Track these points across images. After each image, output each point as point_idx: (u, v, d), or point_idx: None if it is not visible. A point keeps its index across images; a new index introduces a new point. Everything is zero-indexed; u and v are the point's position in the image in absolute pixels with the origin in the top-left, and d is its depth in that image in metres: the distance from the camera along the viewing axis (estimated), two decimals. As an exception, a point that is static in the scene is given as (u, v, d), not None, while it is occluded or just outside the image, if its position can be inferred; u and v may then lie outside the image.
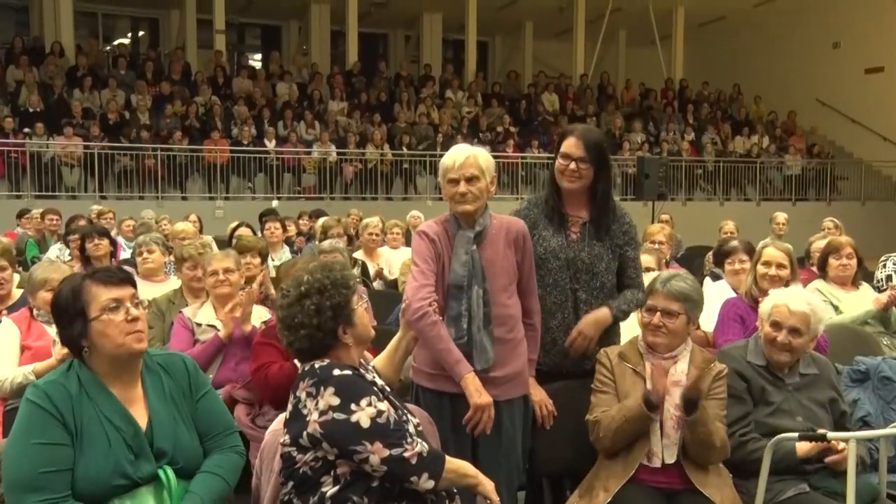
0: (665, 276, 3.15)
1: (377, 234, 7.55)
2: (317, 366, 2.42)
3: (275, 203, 14.35)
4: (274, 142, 15.76)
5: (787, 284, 3.99)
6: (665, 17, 20.69)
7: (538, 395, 3.16)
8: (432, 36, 21.43)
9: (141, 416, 2.43)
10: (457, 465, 2.41)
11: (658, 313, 3.04)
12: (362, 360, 2.63)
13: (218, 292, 4.24)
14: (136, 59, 18.19)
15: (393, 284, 6.97)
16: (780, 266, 4.06)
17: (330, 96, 17.71)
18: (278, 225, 7.58)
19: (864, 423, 3.44)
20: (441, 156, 13.61)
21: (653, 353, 3.07)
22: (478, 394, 2.84)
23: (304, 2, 20.08)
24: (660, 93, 20.44)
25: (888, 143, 18.80)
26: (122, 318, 2.41)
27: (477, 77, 19.71)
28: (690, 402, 2.85)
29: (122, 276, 2.50)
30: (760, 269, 4.11)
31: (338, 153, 15.95)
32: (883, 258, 5.83)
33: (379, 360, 2.84)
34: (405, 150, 16.53)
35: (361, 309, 2.54)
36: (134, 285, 2.52)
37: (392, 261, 7.44)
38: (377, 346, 2.96)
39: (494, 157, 13.68)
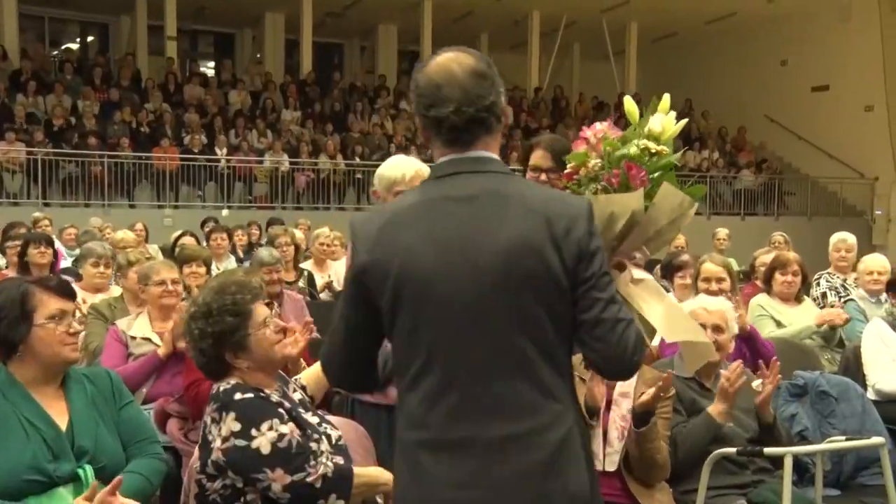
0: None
1: (328, 245, 7.46)
2: (221, 389, 2.36)
3: (225, 212, 14.19)
4: (225, 150, 15.57)
5: (728, 298, 4.00)
6: (619, 32, 20.90)
7: None
8: (387, 47, 21.42)
9: (62, 419, 2.44)
10: (368, 476, 2.36)
11: None
12: (284, 374, 2.57)
13: (164, 303, 4.12)
14: (84, 64, 17.86)
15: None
16: (719, 280, 4.08)
17: (283, 105, 17.57)
18: (224, 236, 7.47)
19: (802, 438, 3.46)
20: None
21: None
22: None
23: (258, 10, 19.93)
24: (613, 107, 20.62)
25: (834, 160, 19.15)
26: (63, 330, 2.45)
27: (433, 89, 19.67)
28: (643, 416, 2.83)
29: (69, 290, 2.59)
30: (701, 284, 4.13)
31: (290, 162, 15.80)
32: (816, 276, 5.93)
33: (309, 373, 2.77)
34: (358, 161, 16.44)
35: (265, 333, 2.42)
36: (75, 299, 2.59)
37: (342, 273, 7.37)
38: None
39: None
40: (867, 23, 18.45)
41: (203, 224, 10.07)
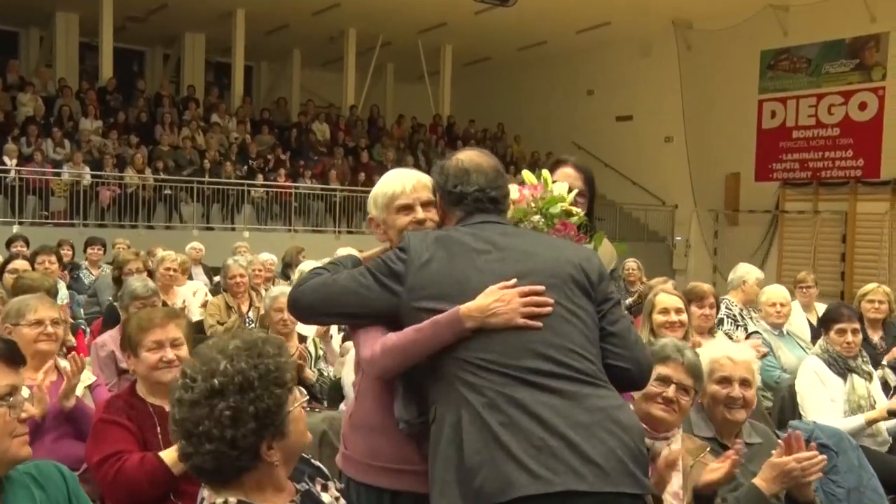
0: (677, 344, 2.76)
1: (174, 270, 6.63)
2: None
3: (15, 229, 12.66)
4: (15, 160, 13.93)
5: (686, 334, 3.77)
6: (433, 54, 20.93)
7: None
8: (194, 56, 20.22)
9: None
10: None
11: (673, 385, 2.64)
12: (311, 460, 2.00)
13: (40, 349, 3.31)
14: None
15: (198, 327, 6.09)
16: (678, 311, 3.83)
17: (82, 113, 16.03)
18: (53, 258, 6.44)
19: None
20: (210, 183, 12.57)
21: (647, 433, 2.63)
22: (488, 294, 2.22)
23: (48, 8, 18.18)
24: (429, 128, 20.57)
25: (637, 187, 20.08)
26: (15, 416, 1.77)
27: (244, 102, 18.78)
28: (706, 499, 2.46)
29: (16, 355, 1.82)
30: (658, 318, 3.86)
31: (92, 176, 14.38)
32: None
33: None
34: (168, 176, 15.27)
35: (298, 412, 1.84)
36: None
37: (191, 299, 6.56)
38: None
39: (265, 186, 12.90)
40: (666, 58, 19.51)
41: (9, 244, 8.80)
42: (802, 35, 17.62)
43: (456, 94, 21.64)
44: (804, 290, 6.73)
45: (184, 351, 2.92)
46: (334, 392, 4.74)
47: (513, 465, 2.01)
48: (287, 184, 15.99)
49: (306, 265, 5.87)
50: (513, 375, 2.11)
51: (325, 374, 4.84)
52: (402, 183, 2.51)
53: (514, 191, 2.58)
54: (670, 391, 2.63)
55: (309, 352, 4.81)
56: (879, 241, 16.58)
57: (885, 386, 4.60)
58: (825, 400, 4.19)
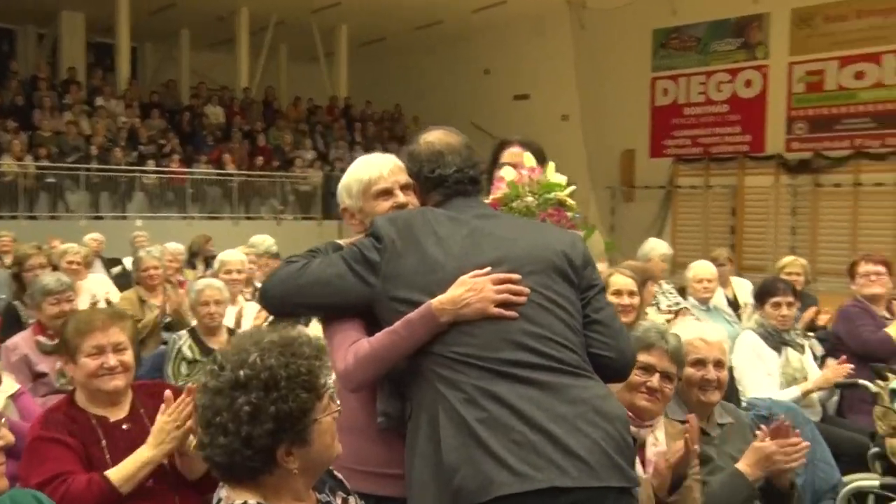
0: (660, 328, 2.68)
1: (78, 263, 6.25)
2: None
3: None
4: None
5: (636, 318, 3.74)
6: (328, 34, 20.55)
7: None
8: (73, 37, 19.18)
9: None
10: None
11: (657, 374, 2.56)
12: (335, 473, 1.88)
13: None
14: None
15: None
16: (631, 294, 3.79)
17: (-51, 96, 15.05)
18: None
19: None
20: (97, 170, 11.93)
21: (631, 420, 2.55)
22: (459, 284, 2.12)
23: None
24: (326, 110, 20.20)
25: (535, 166, 20.23)
26: None
27: (130, 85, 17.98)
28: (676, 481, 2.40)
29: None
30: (611, 299, 3.80)
31: (-33, 164, 13.54)
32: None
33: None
34: (49, 163, 14.49)
35: (328, 422, 1.71)
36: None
37: (100, 294, 6.19)
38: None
39: (158, 172, 12.38)
40: (561, 37, 19.70)
41: None
42: (691, 14, 18.06)
43: (352, 75, 21.32)
44: (718, 266, 6.86)
45: (128, 356, 2.67)
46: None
47: (492, 463, 1.92)
48: (181, 169, 15.43)
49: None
50: (490, 368, 2.02)
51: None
52: (378, 167, 2.38)
53: (510, 172, 2.56)
54: (654, 380, 2.58)
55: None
56: (766, 214, 17.21)
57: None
58: (762, 374, 4.25)
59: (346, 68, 21.19)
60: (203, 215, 15.44)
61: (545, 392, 1.99)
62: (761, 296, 4.40)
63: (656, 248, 6.09)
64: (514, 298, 2.07)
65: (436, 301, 2.06)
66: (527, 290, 2.09)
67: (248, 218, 15.98)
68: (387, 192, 2.35)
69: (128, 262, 9.43)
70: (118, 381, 2.64)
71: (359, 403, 2.24)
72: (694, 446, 2.41)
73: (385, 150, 18.04)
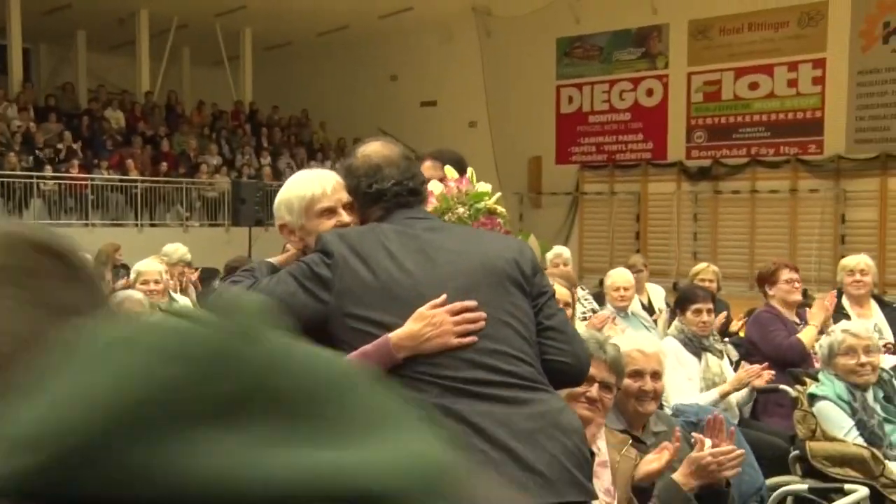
0: (598, 338, 2.72)
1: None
2: None
3: None
4: None
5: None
6: (232, 37, 20.20)
7: None
8: (-40, 37, 18.35)
9: None
10: None
11: (597, 384, 2.60)
12: None
13: None
14: None
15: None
16: (567, 305, 3.84)
17: None
18: None
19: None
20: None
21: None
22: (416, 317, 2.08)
23: None
24: (231, 115, 19.84)
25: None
26: None
27: (24, 87, 17.27)
28: (645, 491, 2.45)
29: None
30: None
31: None
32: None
33: None
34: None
35: None
36: None
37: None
38: None
39: (57, 178, 11.98)
40: (467, 44, 19.89)
41: None
42: (594, 24, 18.49)
43: (258, 80, 20.99)
44: (634, 273, 7.04)
45: None
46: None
47: None
48: (81, 175, 14.91)
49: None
50: (450, 387, 2.01)
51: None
52: (320, 185, 2.33)
53: (438, 185, 2.54)
54: (594, 390, 2.62)
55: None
56: (669, 220, 17.74)
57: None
58: (683, 379, 4.37)
59: (252, 73, 20.87)
60: (106, 222, 14.95)
61: (505, 408, 2.00)
62: (682, 302, 4.54)
63: (562, 254, 6.25)
64: (471, 327, 2.06)
65: (394, 336, 2.04)
66: (483, 314, 2.08)
67: (153, 225, 15.55)
68: (330, 211, 2.31)
69: (30, 274, 9.06)
70: None
71: None
72: (673, 458, 2.49)
73: (292, 155, 17.84)
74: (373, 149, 2.32)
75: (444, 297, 2.07)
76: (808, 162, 16.15)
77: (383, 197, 2.24)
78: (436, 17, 19.60)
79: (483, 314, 2.08)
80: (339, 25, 20.03)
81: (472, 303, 2.08)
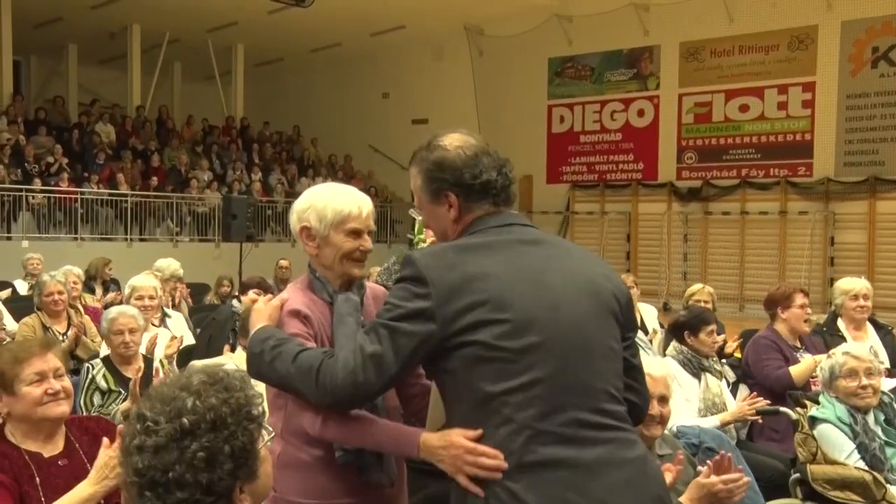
0: None
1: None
2: None
3: None
4: None
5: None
6: (224, 53, 20.23)
7: None
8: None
9: None
10: None
11: None
12: None
13: None
14: None
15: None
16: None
17: None
18: None
19: None
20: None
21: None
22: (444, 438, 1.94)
23: None
24: (222, 130, 19.81)
25: (434, 190, 20.34)
26: None
27: (14, 100, 17.20)
28: None
29: None
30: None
31: None
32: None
33: None
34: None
35: (265, 452, 1.72)
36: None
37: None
38: None
39: (46, 191, 11.95)
40: (459, 63, 19.96)
41: None
42: (585, 45, 18.59)
43: (249, 96, 21.01)
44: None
45: (67, 382, 2.58)
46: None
47: None
48: (71, 189, 14.82)
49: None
50: (552, 432, 1.84)
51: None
52: (357, 205, 2.31)
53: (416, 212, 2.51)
54: None
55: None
56: (659, 240, 17.78)
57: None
58: (681, 400, 4.34)
59: (243, 88, 20.87)
60: (95, 236, 14.87)
61: (603, 455, 1.87)
62: (694, 325, 4.49)
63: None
64: (480, 473, 1.85)
65: (425, 437, 1.95)
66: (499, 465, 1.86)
67: (143, 240, 15.46)
68: (357, 233, 2.29)
69: (20, 286, 8.99)
70: (64, 407, 2.56)
71: (301, 440, 2.19)
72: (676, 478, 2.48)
73: (283, 171, 17.79)
74: (459, 139, 2.14)
75: (472, 433, 1.88)
76: (798, 184, 16.23)
77: (492, 190, 2.07)
78: (428, 36, 19.67)
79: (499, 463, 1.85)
80: (332, 42, 20.09)
81: (491, 451, 1.85)
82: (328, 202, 2.30)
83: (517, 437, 1.82)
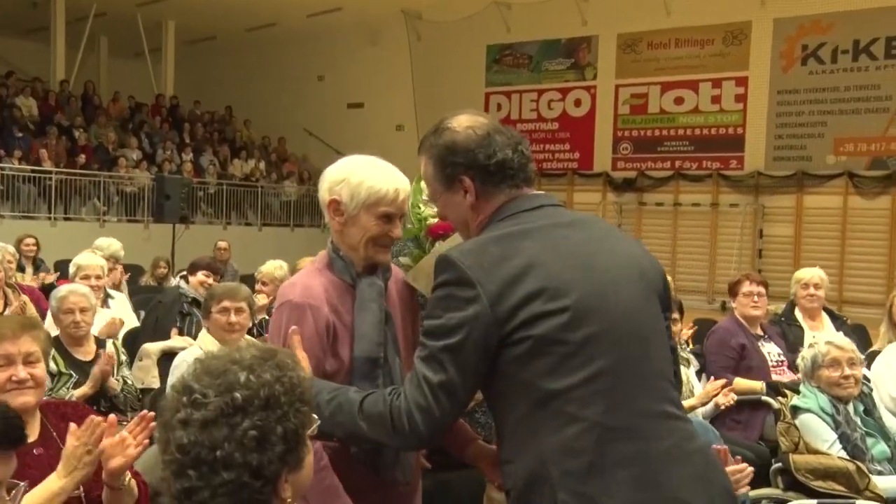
0: None
1: None
2: None
3: None
4: None
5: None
6: (153, 29, 19.59)
7: None
8: None
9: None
10: None
11: None
12: None
13: None
14: None
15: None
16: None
17: None
18: None
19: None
20: None
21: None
22: None
23: None
24: (151, 108, 19.20)
25: (368, 175, 20.13)
26: None
27: (-72, 70, 16.37)
28: None
29: None
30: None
31: None
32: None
33: None
34: None
35: (309, 441, 1.53)
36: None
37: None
38: None
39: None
40: (396, 47, 19.74)
41: None
42: (524, 33, 18.58)
43: (180, 74, 20.40)
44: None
45: (40, 369, 2.38)
46: (138, 403, 4.21)
47: None
48: (-9, 165, 14.17)
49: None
50: (622, 427, 1.73)
51: (129, 382, 4.25)
52: (395, 187, 2.13)
53: None
54: None
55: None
56: (593, 229, 17.91)
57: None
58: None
59: (174, 66, 20.26)
60: (16, 214, 14.24)
61: (667, 450, 1.75)
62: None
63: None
64: None
65: None
66: None
67: (67, 219, 14.88)
68: (389, 217, 2.12)
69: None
70: (27, 397, 2.36)
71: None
72: None
73: (216, 153, 17.34)
74: (468, 119, 1.97)
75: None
76: (730, 177, 16.53)
77: (509, 170, 1.91)
78: (365, 19, 19.39)
79: None
80: (267, 22, 19.65)
81: None
82: (365, 179, 2.12)
83: (588, 435, 1.69)
